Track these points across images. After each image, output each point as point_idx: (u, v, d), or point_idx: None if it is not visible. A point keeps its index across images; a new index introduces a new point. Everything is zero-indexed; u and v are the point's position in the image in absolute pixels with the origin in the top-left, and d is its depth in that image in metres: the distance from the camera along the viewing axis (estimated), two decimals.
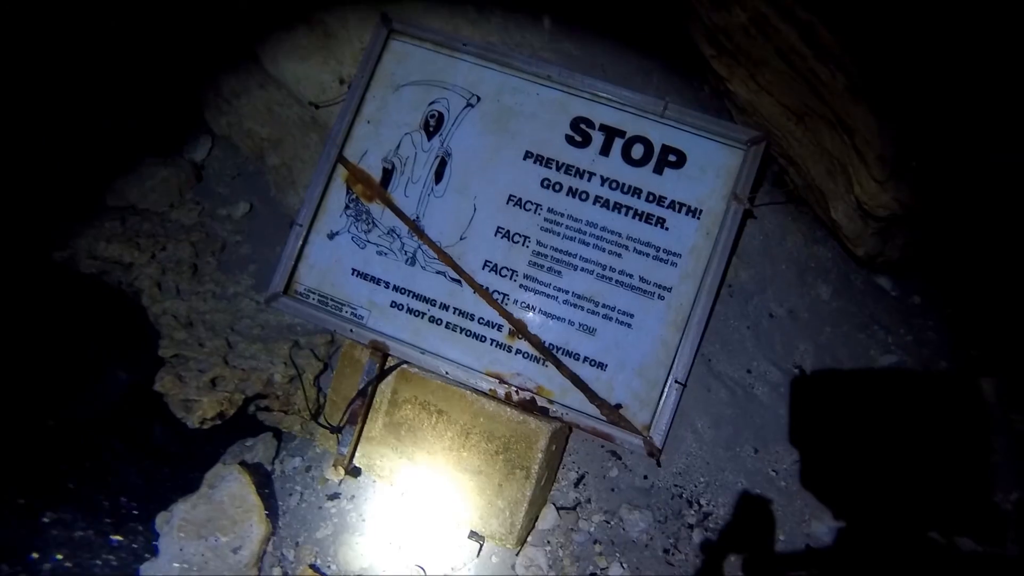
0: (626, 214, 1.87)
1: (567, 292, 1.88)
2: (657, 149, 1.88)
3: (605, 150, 1.90)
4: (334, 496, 2.07)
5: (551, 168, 1.91)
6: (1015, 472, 1.68)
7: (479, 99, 1.97)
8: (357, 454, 1.94)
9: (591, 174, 1.90)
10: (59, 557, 1.94)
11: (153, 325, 2.49)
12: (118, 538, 2.01)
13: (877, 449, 1.81)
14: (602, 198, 1.89)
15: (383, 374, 1.89)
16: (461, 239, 1.92)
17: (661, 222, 1.86)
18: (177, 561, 1.84)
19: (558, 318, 1.87)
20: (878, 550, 1.66)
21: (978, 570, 1.52)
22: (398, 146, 1.98)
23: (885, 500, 1.73)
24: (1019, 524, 1.57)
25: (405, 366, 1.91)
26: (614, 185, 1.88)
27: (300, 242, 1.95)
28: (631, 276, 1.85)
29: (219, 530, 1.86)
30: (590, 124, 1.91)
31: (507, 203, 1.92)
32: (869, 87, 1.35)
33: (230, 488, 1.92)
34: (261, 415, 2.19)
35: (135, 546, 1.97)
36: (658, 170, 1.87)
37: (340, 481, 2.03)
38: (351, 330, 1.90)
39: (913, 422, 1.80)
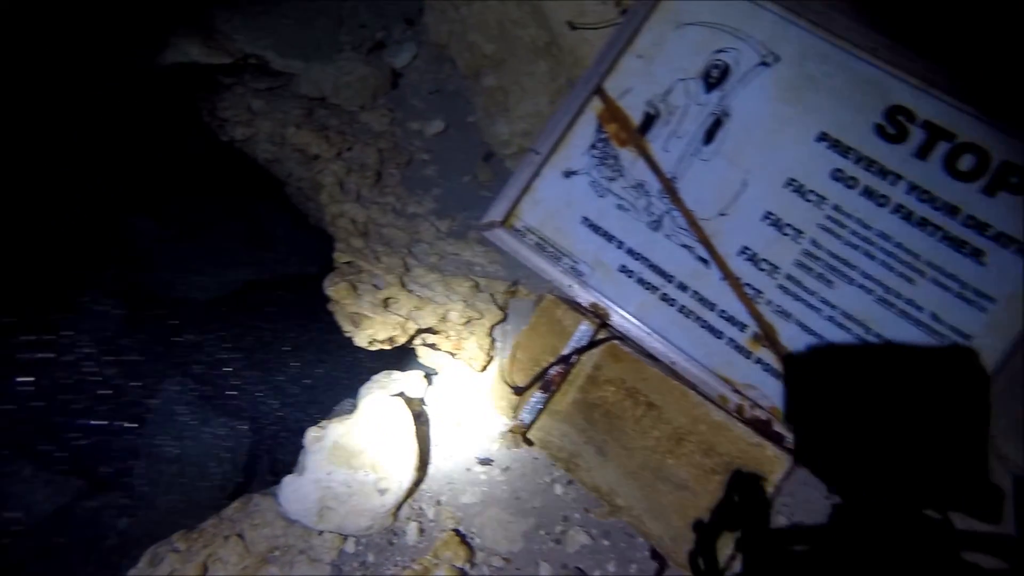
0: (932, 234, 1.53)
1: (834, 308, 1.56)
2: (994, 165, 1.52)
3: (923, 152, 1.55)
4: (485, 462, 1.84)
5: (848, 158, 1.59)
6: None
7: (777, 59, 1.65)
8: (534, 425, 1.69)
9: (898, 177, 1.56)
10: None
11: (320, 226, 2.33)
12: None
13: (874, 425, 1.54)
14: (905, 208, 1.55)
15: (593, 344, 1.63)
16: (720, 215, 1.63)
17: (977, 254, 1.50)
18: (321, 485, 1.65)
19: (816, 335, 1.55)
20: (874, 526, 1.52)
21: (974, 547, 1.44)
22: (668, 92, 1.70)
23: (881, 476, 1.53)
24: (1016, 502, 1.47)
25: (617, 342, 1.64)
26: (925, 196, 1.54)
27: (533, 172, 1.70)
28: (920, 309, 1.51)
29: (371, 465, 1.66)
30: (910, 117, 1.57)
31: (785, 187, 1.61)
32: None
33: (391, 423, 1.71)
34: (422, 351, 1.98)
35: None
36: (990, 191, 1.51)
37: (498, 448, 1.79)
38: (570, 285, 1.64)
39: (910, 397, 1.53)
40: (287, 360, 3.85)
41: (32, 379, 3.55)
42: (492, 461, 1.83)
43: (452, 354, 1.93)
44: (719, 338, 1.60)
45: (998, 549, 1.44)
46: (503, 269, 2.06)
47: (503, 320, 1.96)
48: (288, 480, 1.68)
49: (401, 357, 2.07)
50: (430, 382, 2.06)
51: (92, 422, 3.38)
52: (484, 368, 1.90)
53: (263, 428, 3.54)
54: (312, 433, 1.72)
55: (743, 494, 1.58)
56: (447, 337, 1.91)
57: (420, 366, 2.05)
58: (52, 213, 3.71)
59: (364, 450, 1.68)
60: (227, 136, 2.74)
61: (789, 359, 1.61)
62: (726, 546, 1.52)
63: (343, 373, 3.43)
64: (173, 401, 3.61)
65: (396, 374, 2.07)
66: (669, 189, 1.66)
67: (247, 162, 2.88)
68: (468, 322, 1.89)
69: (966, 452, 1.48)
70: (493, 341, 1.94)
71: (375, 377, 2.06)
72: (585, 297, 1.64)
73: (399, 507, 1.74)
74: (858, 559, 1.51)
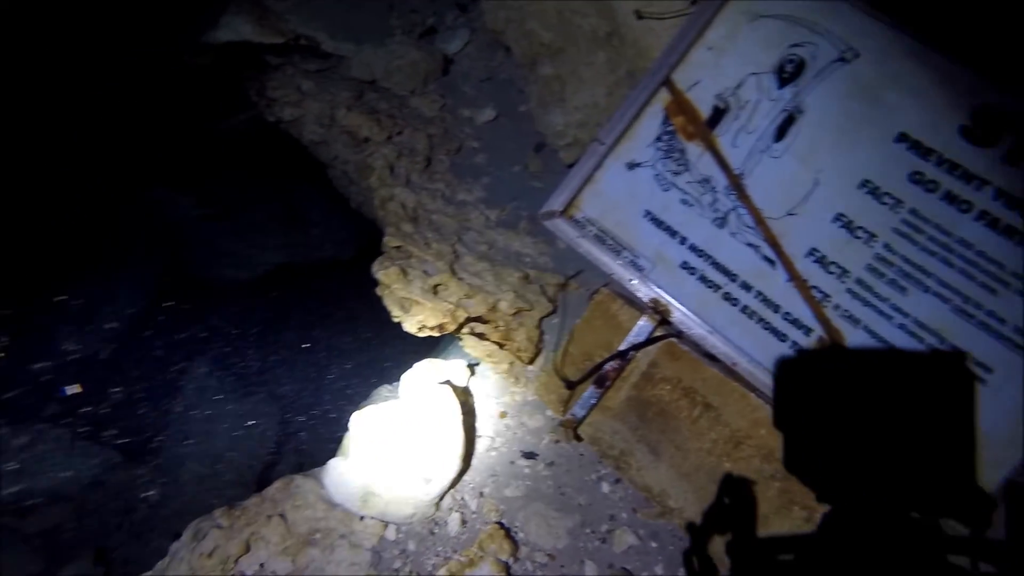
0: (1021, 243, 1.45)
1: (907, 316, 1.49)
2: None
3: (1015, 158, 1.48)
4: (529, 455, 1.81)
5: (929, 161, 1.52)
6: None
7: (856, 55, 1.59)
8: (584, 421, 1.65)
9: (983, 182, 1.49)
10: None
11: (360, 210, 2.31)
12: None
13: (862, 430, 1.51)
14: (990, 215, 1.48)
15: (651, 341, 1.58)
16: (789, 214, 1.57)
17: None
18: (367, 470, 1.63)
19: (886, 342, 1.49)
20: (863, 532, 1.49)
21: (963, 553, 1.43)
22: (739, 86, 1.64)
23: (870, 482, 1.50)
24: (1007, 507, 1.45)
25: (675, 340, 1.59)
26: (1013, 203, 1.47)
27: (597, 162, 1.66)
28: (1002, 322, 1.44)
29: (417, 453, 1.64)
30: (1002, 120, 1.49)
31: (858, 188, 1.55)
32: None
33: (438, 411, 1.68)
34: (467, 340, 1.95)
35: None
36: None
37: (544, 442, 1.76)
38: (631, 279, 1.60)
39: (899, 404, 1.49)
40: (319, 343, 3.87)
41: (68, 351, 3.60)
42: (537, 455, 1.80)
43: (500, 344, 1.90)
44: (782, 341, 1.55)
45: (988, 554, 1.42)
46: (552, 261, 2.02)
47: (552, 313, 1.92)
48: (333, 464, 1.67)
49: (433, 346, 2.04)
50: (472, 372, 2.03)
51: (126, 396, 3.43)
52: (532, 360, 1.87)
53: (292, 410, 3.56)
54: (358, 418, 1.70)
55: (733, 497, 1.56)
56: (496, 327, 1.87)
57: (462, 355, 2.02)
58: (94, 187, 3.75)
59: (411, 437, 1.65)
60: (274, 116, 2.74)
61: (779, 365, 1.58)
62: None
63: (378, 359, 3.43)
64: (204, 379, 3.64)
65: (439, 362, 2.04)
66: (736, 185, 1.60)
67: (291, 143, 2.88)
68: (518, 313, 1.86)
69: (955, 458, 1.45)
70: (542, 333, 1.91)
71: (418, 365, 2.04)
72: (645, 292, 1.60)
73: (442, 497, 1.72)
74: (847, 564, 1.49)
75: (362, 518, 1.70)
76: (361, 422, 1.69)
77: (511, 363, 1.93)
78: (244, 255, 4.18)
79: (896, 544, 1.49)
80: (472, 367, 2.05)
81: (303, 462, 3.32)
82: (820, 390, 1.57)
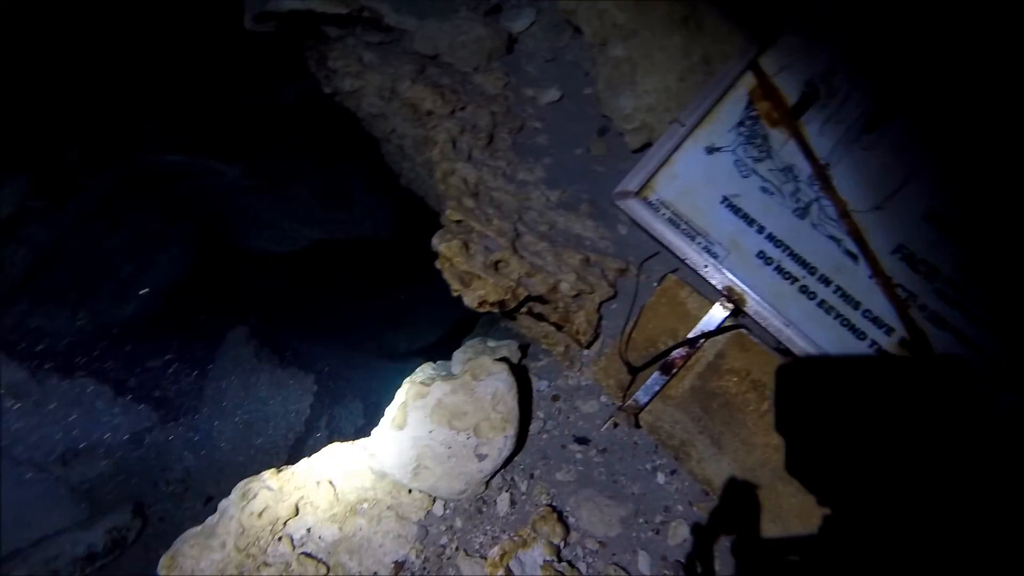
0: None
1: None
2: None
3: None
4: (582, 440, 1.77)
5: None
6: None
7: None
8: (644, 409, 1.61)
9: None
10: None
11: (410, 187, 2.29)
12: None
13: (865, 435, 1.49)
14: None
15: (721, 330, 1.53)
16: (876, 208, 1.51)
17: None
18: (421, 443, 1.61)
19: (976, 346, 1.42)
20: (866, 535, 1.47)
21: (967, 551, 1.42)
22: (831, 72, 1.58)
23: (872, 485, 1.48)
24: (1008, 504, 1.42)
25: (744, 331, 1.54)
26: None
27: (675, 144, 1.61)
28: None
29: (473, 429, 1.61)
30: None
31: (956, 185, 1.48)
32: None
33: (495, 387, 1.66)
34: (523, 320, 1.92)
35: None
36: None
37: (603, 427, 1.72)
38: (706, 266, 1.55)
39: (902, 407, 1.48)
40: (358, 317, 3.88)
41: (112, 312, 3.66)
42: (589, 440, 1.76)
43: (559, 326, 1.87)
44: (861, 339, 1.49)
45: (989, 551, 1.40)
46: (613, 246, 1.98)
47: (612, 298, 1.88)
48: (386, 434, 1.65)
49: (472, 326, 2.01)
50: (524, 353, 2.00)
51: (166, 359, 3.47)
52: (590, 344, 1.84)
53: (328, 383, 3.57)
54: (414, 389, 1.68)
55: (737, 500, 1.53)
56: (555, 308, 1.84)
57: (509, 335, 1.99)
58: (142, 151, 3.79)
59: (466, 412, 1.63)
60: (332, 87, 2.72)
61: (779, 370, 1.53)
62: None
63: (420, 336, 3.43)
64: (241, 348, 3.67)
65: (491, 341, 2.02)
66: (821, 176, 1.55)
67: (345, 116, 2.87)
68: (578, 295, 1.82)
69: (963, 459, 1.44)
70: (600, 318, 1.87)
71: (470, 342, 2.02)
72: (719, 280, 1.55)
73: (493, 476, 1.69)
74: (846, 565, 1.47)
75: (410, 491, 1.68)
76: (412, 393, 1.67)
77: (567, 346, 1.89)
78: (286, 228, 4.21)
79: (898, 547, 1.45)
80: (524, 347, 2.01)
81: (336, 434, 3.34)
82: (822, 394, 1.52)
